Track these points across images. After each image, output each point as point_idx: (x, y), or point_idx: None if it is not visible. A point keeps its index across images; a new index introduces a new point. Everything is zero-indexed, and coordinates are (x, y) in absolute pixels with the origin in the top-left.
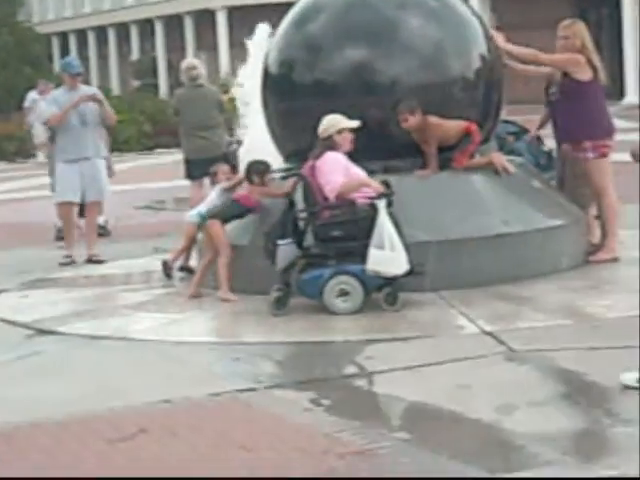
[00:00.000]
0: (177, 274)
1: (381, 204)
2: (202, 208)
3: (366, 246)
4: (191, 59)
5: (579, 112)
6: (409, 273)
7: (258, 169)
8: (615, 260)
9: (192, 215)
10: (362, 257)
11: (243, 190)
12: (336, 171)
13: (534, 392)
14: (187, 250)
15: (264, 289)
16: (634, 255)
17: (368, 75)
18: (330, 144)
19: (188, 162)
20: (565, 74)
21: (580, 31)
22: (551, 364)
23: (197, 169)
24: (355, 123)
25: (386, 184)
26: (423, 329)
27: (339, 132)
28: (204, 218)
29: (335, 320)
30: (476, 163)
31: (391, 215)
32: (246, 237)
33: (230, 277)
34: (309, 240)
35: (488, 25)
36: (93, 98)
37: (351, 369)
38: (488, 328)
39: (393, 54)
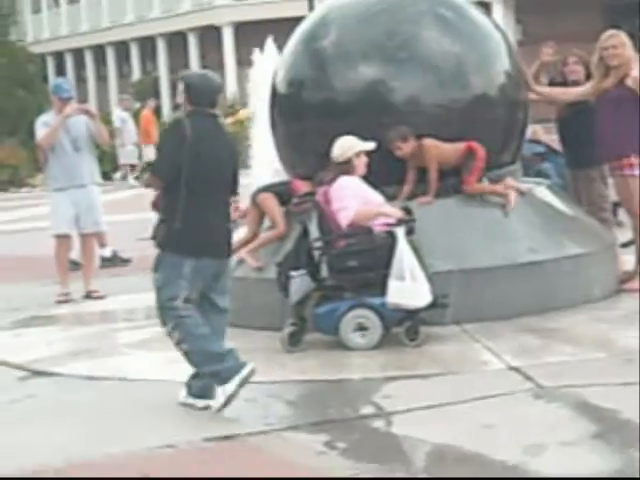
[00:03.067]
0: None
1: (400, 232)
2: None
3: (385, 277)
4: None
5: (630, 124)
6: (432, 305)
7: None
8: None
9: None
10: (381, 289)
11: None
12: (352, 197)
13: (564, 431)
14: None
15: (277, 324)
16: None
17: (383, 94)
18: (347, 168)
19: None
20: (620, 82)
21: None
22: (582, 401)
23: None
24: (371, 145)
25: (407, 210)
26: (445, 365)
27: (357, 155)
28: (256, 192)
29: (352, 356)
30: (489, 190)
31: (411, 243)
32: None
33: (261, 246)
34: (324, 271)
35: (512, 38)
36: (84, 110)
37: (369, 409)
38: (515, 363)
39: (409, 71)
